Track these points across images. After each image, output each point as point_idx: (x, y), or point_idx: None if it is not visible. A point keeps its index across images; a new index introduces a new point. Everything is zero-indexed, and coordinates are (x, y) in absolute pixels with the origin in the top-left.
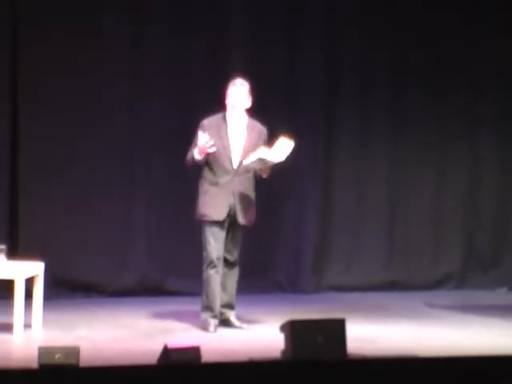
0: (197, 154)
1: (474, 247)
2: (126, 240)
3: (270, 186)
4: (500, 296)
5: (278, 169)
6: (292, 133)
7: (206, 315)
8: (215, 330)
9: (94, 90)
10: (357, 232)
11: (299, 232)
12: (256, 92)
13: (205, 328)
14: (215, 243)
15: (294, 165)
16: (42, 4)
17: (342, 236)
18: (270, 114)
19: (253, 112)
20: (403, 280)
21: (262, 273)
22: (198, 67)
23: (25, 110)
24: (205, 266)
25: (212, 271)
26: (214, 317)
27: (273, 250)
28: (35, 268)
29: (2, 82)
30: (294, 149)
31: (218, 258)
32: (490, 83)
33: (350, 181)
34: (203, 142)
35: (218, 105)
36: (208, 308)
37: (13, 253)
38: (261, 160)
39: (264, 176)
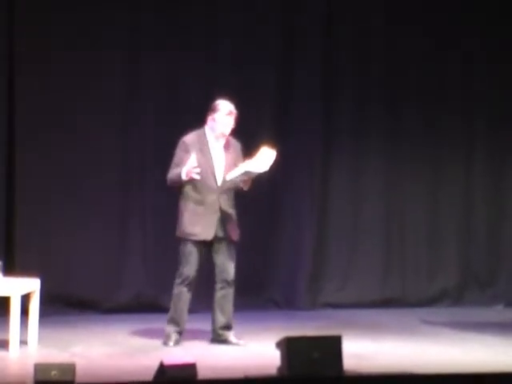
0: (184, 175)
1: (470, 264)
2: (121, 257)
3: (266, 203)
4: (496, 313)
5: (273, 186)
6: (288, 151)
7: (170, 329)
8: (175, 344)
9: (92, 101)
10: (353, 249)
11: (295, 249)
12: (251, 109)
13: (165, 342)
14: (195, 262)
15: (291, 182)
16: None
17: (337, 253)
18: (266, 131)
19: (248, 130)
20: (399, 297)
21: (258, 290)
22: (194, 80)
23: (21, 127)
24: (179, 281)
25: (185, 288)
26: (178, 332)
27: (269, 267)
28: (31, 284)
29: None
30: (290, 166)
31: (194, 278)
32: (485, 102)
33: (346, 199)
34: (191, 167)
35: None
36: (174, 321)
37: (9, 269)
38: (246, 173)
39: (245, 188)
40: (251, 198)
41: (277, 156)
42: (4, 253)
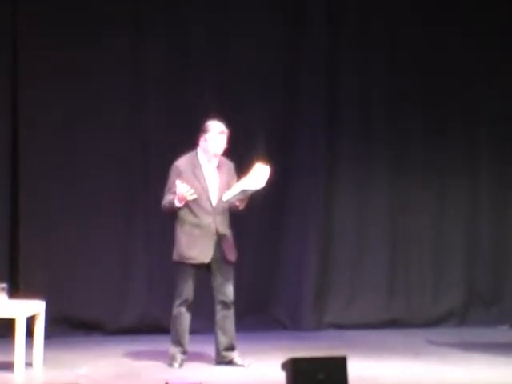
0: (177, 202)
1: (475, 284)
2: (126, 278)
3: (269, 223)
4: (501, 333)
5: (276, 205)
6: (292, 167)
7: (174, 350)
8: (180, 366)
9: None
10: (357, 269)
11: (300, 269)
12: (256, 122)
13: (170, 364)
14: (192, 284)
15: (295, 200)
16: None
17: (342, 273)
18: (269, 146)
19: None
20: (404, 317)
21: (263, 310)
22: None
23: (24, 149)
24: (178, 303)
25: (183, 309)
26: (183, 353)
27: (274, 287)
28: (36, 306)
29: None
30: (295, 185)
31: (192, 299)
32: (489, 116)
33: (350, 219)
34: (183, 191)
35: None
36: (178, 342)
37: (14, 291)
38: (243, 191)
39: (241, 207)
40: (255, 218)
41: (279, 169)
42: (9, 275)
